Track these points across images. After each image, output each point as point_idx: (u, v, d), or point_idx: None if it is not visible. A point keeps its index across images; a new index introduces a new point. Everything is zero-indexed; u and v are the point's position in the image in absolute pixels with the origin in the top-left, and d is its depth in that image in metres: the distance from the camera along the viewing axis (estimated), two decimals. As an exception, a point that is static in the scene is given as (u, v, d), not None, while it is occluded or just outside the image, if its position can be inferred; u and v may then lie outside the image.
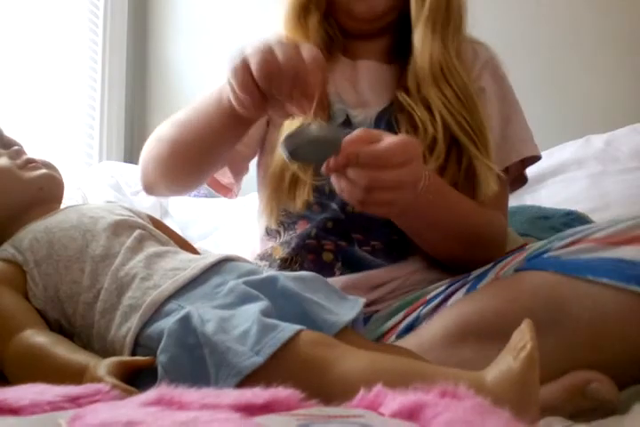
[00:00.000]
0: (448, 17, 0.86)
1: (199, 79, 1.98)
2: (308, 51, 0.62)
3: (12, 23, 1.66)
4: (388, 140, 0.61)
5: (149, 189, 0.90)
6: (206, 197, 1.88)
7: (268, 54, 0.61)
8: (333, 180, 0.64)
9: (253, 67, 0.61)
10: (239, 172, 0.96)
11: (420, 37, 0.85)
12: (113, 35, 2.01)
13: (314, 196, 0.82)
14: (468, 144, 0.81)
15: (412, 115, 0.83)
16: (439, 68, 0.83)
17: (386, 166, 0.60)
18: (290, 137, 0.58)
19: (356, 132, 0.62)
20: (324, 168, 0.62)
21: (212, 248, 1.29)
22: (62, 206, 0.73)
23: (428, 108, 0.83)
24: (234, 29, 2.01)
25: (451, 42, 0.85)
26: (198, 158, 0.81)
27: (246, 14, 2.00)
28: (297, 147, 0.57)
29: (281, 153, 0.59)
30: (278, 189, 0.84)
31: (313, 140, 0.57)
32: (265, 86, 0.61)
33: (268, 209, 0.86)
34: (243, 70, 0.62)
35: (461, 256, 0.82)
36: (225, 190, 0.99)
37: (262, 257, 0.89)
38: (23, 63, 1.69)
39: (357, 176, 0.60)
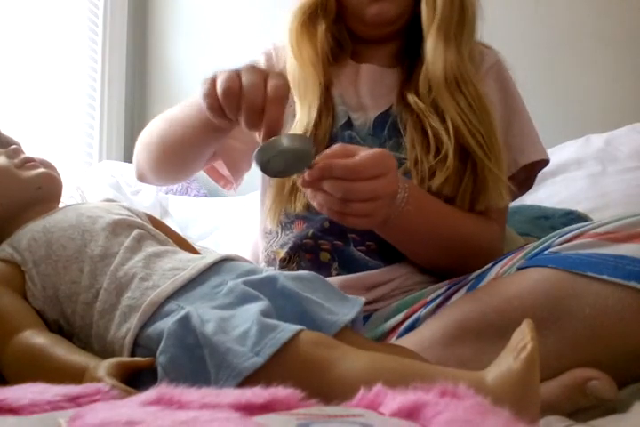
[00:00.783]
0: (462, 25, 0.85)
1: (199, 79, 1.97)
2: (274, 83, 0.63)
3: (12, 23, 1.66)
4: (363, 153, 0.63)
5: (140, 177, 0.96)
6: (206, 196, 1.88)
7: (234, 75, 0.63)
8: (309, 195, 0.66)
9: (218, 82, 0.64)
10: (237, 168, 0.97)
11: (431, 46, 0.84)
12: (113, 34, 2.01)
13: None
14: (482, 156, 0.80)
15: (422, 119, 0.83)
16: (453, 77, 0.83)
17: (359, 178, 0.62)
18: (261, 150, 0.59)
19: (333, 148, 0.65)
20: (300, 181, 0.64)
21: (212, 248, 1.29)
22: (61, 205, 0.73)
23: (439, 115, 0.82)
24: (233, 29, 2.01)
25: (465, 49, 0.85)
26: (182, 154, 0.86)
27: (245, 13, 2.00)
28: (268, 159, 0.59)
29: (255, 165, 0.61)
30: (280, 191, 0.85)
31: (283, 151, 0.58)
32: (222, 103, 0.64)
33: (271, 210, 0.87)
34: (209, 84, 0.65)
35: (446, 266, 0.83)
36: (224, 181, 1.01)
37: (269, 263, 0.90)
38: (23, 63, 1.69)
39: (332, 188, 0.63)
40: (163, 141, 0.86)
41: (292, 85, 0.86)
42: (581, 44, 1.71)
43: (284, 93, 0.63)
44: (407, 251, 0.83)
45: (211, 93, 0.65)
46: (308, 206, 0.83)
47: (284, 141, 0.58)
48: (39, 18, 1.74)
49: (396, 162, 0.68)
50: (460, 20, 0.85)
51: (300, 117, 0.86)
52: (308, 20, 0.88)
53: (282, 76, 0.65)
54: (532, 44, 1.74)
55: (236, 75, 0.64)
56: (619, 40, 1.69)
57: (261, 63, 0.96)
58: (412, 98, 0.85)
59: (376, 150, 0.65)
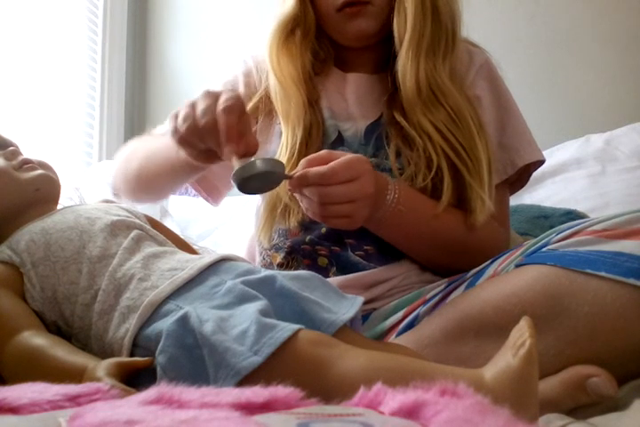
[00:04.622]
0: (438, 38, 0.83)
1: (199, 79, 1.98)
2: (224, 98, 0.65)
3: (12, 23, 1.65)
4: (336, 160, 0.67)
5: (116, 194, 0.98)
6: (206, 197, 1.87)
7: (189, 110, 0.66)
8: (299, 199, 0.71)
9: (178, 119, 0.67)
10: (215, 189, 0.98)
11: (402, 62, 0.82)
12: (113, 34, 2.01)
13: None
14: (465, 173, 0.80)
15: (411, 135, 0.82)
16: (428, 92, 0.81)
17: (332, 183, 0.66)
18: (238, 171, 0.64)
19: (319, 153, 0.69)
20: (287, 187, 0.70)
21: (211, 248, 1.29)
22: (59, 207, 0.73)
23: (425, 132, 0.81)
24: (233, 29, 2.01)
25: (441, 61, 0.83)
26: (159, 187, 0.90)
27: (245, 14, 2.00)
28: (244, 179, 0.64)
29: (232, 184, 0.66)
30: (273, 210, 0.85)
31: (257, 174, 0.64)
32: (193, 140, 0.67)
33: (264, 229, 0.86)
34: (174, 121, 0.68)
35: (447, 264, 0.83)
36: (205, 195, 1.00)
37: (266, 267, 0.89)
38: (23, 63, 1.69)
39: (310, 193, 0.68)
40: (140, 175, 0.88)
41: (275, 103, 0.88)
42: (581, 44, 1.71)
43: (233, 103, 0.64)
44: (406, 249, 0.83)
45: (177, 130, 0.67)
46: (302, 220, 0.83)
47: (259, 165, 0.63)
48: (39, 18, 1.74)
49: (369, 166, 0.70)
50: (436, 34, 0.82)
51: (285, 138, 0.86)
52: (287, 37, 0.87)
53: (233, 91, 0.67)
54: (532, 44, 1.73)
55: (192, 107, 0.66)
56: (619, 40, 1.68)
57: (239, 82, 0.94)
58: (398, 116, 0.84)
59: (350, 156, 0.68)
